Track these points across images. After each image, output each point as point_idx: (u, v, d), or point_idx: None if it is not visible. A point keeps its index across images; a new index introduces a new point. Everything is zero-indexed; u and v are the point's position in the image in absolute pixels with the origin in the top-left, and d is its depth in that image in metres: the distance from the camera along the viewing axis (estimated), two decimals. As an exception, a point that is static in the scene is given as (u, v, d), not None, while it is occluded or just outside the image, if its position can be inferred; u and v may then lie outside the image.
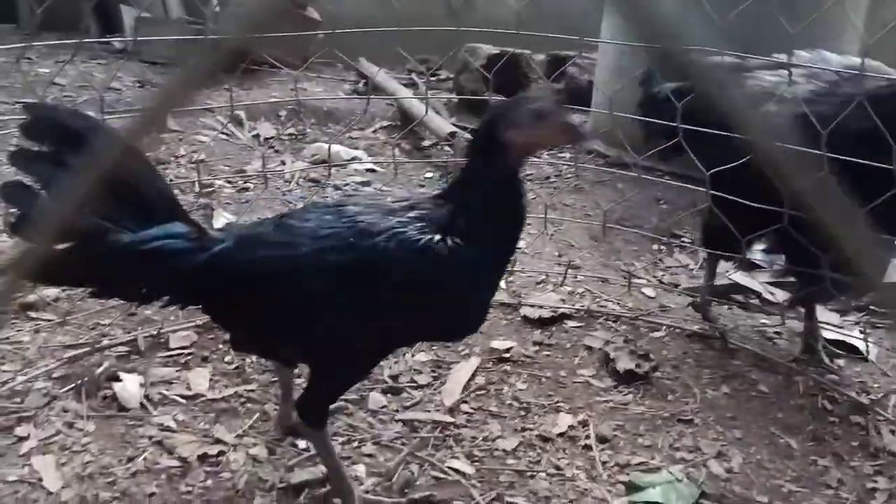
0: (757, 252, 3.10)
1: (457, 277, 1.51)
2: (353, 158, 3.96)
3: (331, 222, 1.54)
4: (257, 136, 4.33)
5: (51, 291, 2.41)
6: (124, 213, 1.51)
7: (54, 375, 2.09)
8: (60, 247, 1.43)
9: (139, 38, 4.19)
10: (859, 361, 2.42)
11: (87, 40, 2.68)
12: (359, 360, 1.64)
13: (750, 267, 2.87)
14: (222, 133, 4.07)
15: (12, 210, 1.52)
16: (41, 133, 1.51)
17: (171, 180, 3.44)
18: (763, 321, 2.64)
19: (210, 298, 1.64)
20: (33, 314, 2.35)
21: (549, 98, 1.61)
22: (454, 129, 3.99)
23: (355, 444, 1.93)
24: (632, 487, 1.82)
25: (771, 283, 2.80)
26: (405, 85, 5.29)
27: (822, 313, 2.72)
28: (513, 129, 1.50)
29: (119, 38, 5.69)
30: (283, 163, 3.89)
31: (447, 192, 1.62)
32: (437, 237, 1.51)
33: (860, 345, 2.43)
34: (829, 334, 2.52)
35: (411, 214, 1.55)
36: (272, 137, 4.35)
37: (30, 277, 1.36)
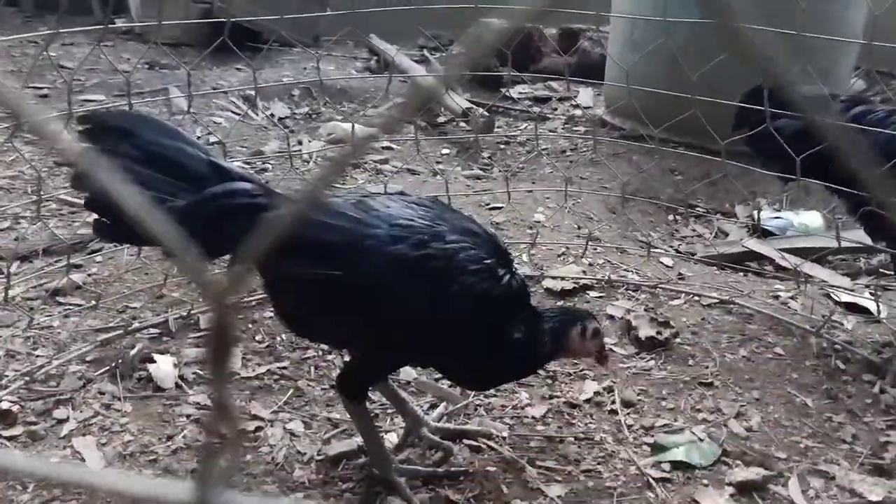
0: (770, 220, 3.15)
1: (501, 314, 1.62)
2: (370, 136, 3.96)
3: (410, 216, 1.59)
4: (272, 116, 4.33)
5: (77, 276, 2.45)
6: (180, 188, 1.61)
7: (88, 359, 2.13)
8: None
9: (145, 22, 4.15)
10: (871, 322, 2.48)
11: (98, 25, 2.67)
12: (402, 349, 1.67)
13: (764, 234, 2.92)
14: (235, 114, 4.07)
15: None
16: (97, 136, 1.66)
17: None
18: (777, 287, 2.70)
19: (271, 261, 1.67)
20: (62, 300, 2.38)
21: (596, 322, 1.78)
22: (469, 104, 4.00)
23: (388, 416, 1.98)
24: (657, 448, 1.89)
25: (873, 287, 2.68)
26: (417, 61, 5.28)
27: (834, 277, 2.78)
28: (576, 339, 1.68)
29: (126, 22, 5.64)
30: (300, 143, 3.91)
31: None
32: (502, 271, 1.62)
33: (871, 306, 2.48)
34: (842, 297, 2.58)
35: (489, 242, 1.66)
36: (286, 117, 4.36)
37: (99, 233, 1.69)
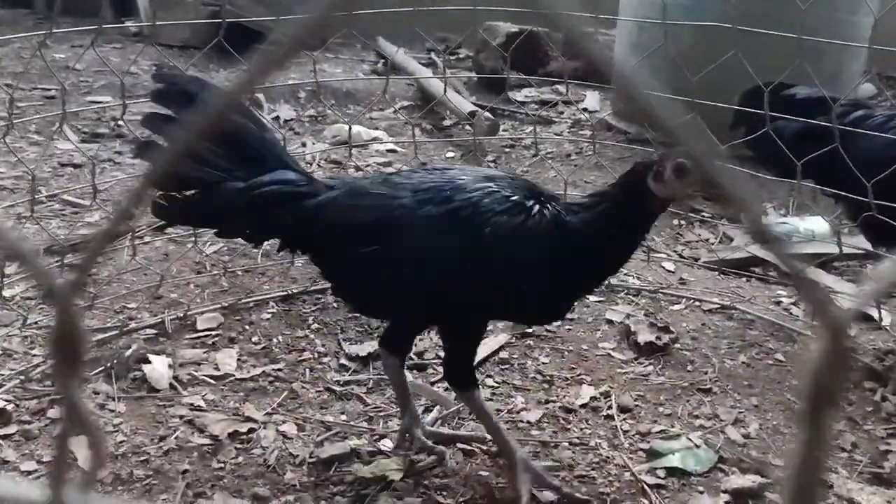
0: (776, 225, 3.12)
1: (546, 245, 1.56)
2: (374, 139, 3.96)
3: (432, 179, 1.62)
4: (277, 118, 4.34)
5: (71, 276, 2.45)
6: (238, 165, 1.66)
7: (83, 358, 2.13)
8: (188, 193, 1.67)
9: (155, 23, 4.18)
10: (874, 330, 2.45)
11: (105, 26, 2.69)
12: (464, 316, 1.67)
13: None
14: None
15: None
16: (167, 98, 1.71)
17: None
18: (780, 292, 2.67)
19: (316, 245, 1.72)
20: (60, 299, 2.39)
21: (693, 153, 1.59)
22: (474, 108, 3.99)
23: (382, 419, 1.97)
24: (652, 454, 1.87)
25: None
26: (424, 64, 5.28)
27: (838, 283, 2.74)
28: (659, 182, 1.53)
29: (135, 24, 5.68)
30: (304, 144, 3.91)
31: (571, 204, 1.66)
32: (534, 201, 1.57)
33: (874, 313, 2.45)
34: (844, 303, 2.54)
35: (513, 183, 1.62)
36: (292, 119, 4.36)
37: (157, 215, 1.73)
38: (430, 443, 1.84)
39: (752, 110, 2.22)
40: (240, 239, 1.98)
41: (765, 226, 0.34)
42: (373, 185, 1.68)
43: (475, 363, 1.83)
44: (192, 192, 1.67)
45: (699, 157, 0.33)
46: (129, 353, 2.13)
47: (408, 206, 1.58)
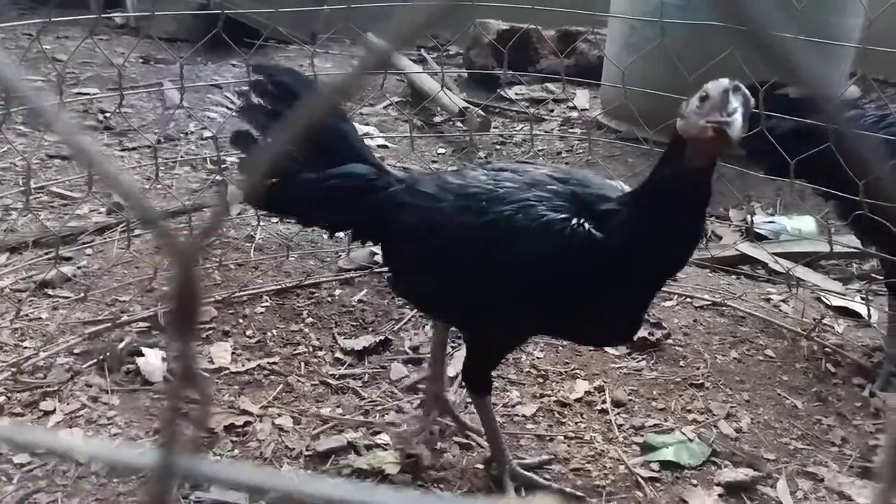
0: (763, 224, 3.16)
1: (578, 265, 1.42)
2: (365, 135, 3.96)
3: (480, 182, 1.57)
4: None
5: (67, 269, 2.43)
6: (314, 157, 1.71)
7: (76, 351, 2.12)
8: (270, 181, 1.72)
9: (141, 13, 4.13)
10: (861, 326, 2.49)
11: (94, 16, 2.66)
12: (498, 327, 1.62)
13: (758, 238, 2.92)
14: (230, 109, 4.06)
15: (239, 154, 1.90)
16: (264, 90, 1.77)
17: (181, 157, 3.46)
18: (769, 290, 2.70)
19: (381, 237, 1.75)
20: (51, 292, 2.36)
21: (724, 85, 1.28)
22: (465, 104, 3.99)
23: (377, 413, 1.98)
24: (646, 447, 1.89)
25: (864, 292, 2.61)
26: (415, 60, 5.27)
27: (826, 281, 2.78)
28: (681, 120, 1.32)
29: (122, 15, 5.61)
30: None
31: (629, 194, 1.48)
32: (567, 218, 1.43)
33: (862, 310, 2.49)
34: (833, 300, 2.58)
35: (556, 190, 1.50)
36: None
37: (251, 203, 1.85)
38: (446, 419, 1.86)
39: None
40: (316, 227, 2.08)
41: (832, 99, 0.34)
42: (427, 183, 1.64)
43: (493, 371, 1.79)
44: (273, 180, 1.71)
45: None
46: (121, 345, 2.12)
47: (446, 212, 1.56)
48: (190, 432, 0.38)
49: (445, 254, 1.57)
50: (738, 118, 1.21)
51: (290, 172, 1.70)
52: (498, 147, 4.16)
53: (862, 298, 2.55)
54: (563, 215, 1.45)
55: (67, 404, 1.93)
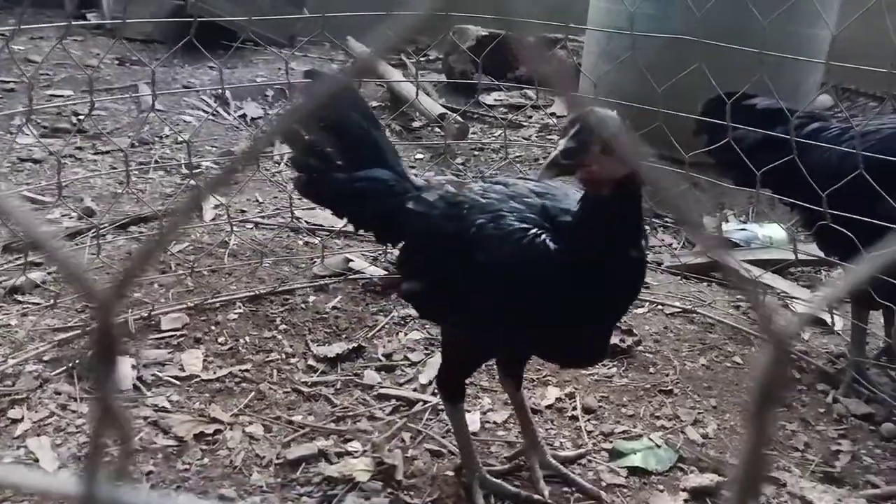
0: (735, 231, 3.21)
1: (534, 276, 1.46)
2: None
3: (471, 193, 1.64)
4: (244, 116, 4.30)
5: (36, 275, 2.40)
6: (349, 158, 1.82)
7: (45, 358, 2.10)
8: (296, 175, 1.93)
9: (114, 19, 4.10)
10: (826, 334, 2.54)
11: (72, 22, 2.64)
12: (475, 338, 1.68)
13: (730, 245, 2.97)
14: (206, 113, 4.04)
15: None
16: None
17: (156, 161, 3.43)
18: (739, 296, 2.75)
19: (398, 242, 1.80)
20: (20, 298, 2.34)
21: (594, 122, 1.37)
22: (444, 110, 4.01)
23: (349, 420, 1.98)
24: (615, 454, 1.92)
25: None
26: (394, 66, 5.27)
27: (793, 288, 2.84)
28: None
29: (97, 17, 5.55)
30: (273, 144, 3.88)
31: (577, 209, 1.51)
32: (530, 229, 1.49)
33: (827, 318, 2.54)
34: (799, 308, 2.63)
35: (532, 203, 1.55)
36: (259, 118, 4.32)
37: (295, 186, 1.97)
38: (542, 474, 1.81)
39: (714, 120, 2.29)
40: None
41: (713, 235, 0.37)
42: (431, 192, 1.72)
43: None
44: (311, 175, 1.87)
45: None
46: (91, 353, 2.10)
47: (436, 219, 1.65)
48: (118, 460, 0.39)
49: (435, 257, 1.67)
50: (560, 143, 1.37)
51: (326, 170, 1.83)
52: (476, 153, 4.18)
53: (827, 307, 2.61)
54: (525, 225, 1.51)
55: (36, 412, 1.92)
